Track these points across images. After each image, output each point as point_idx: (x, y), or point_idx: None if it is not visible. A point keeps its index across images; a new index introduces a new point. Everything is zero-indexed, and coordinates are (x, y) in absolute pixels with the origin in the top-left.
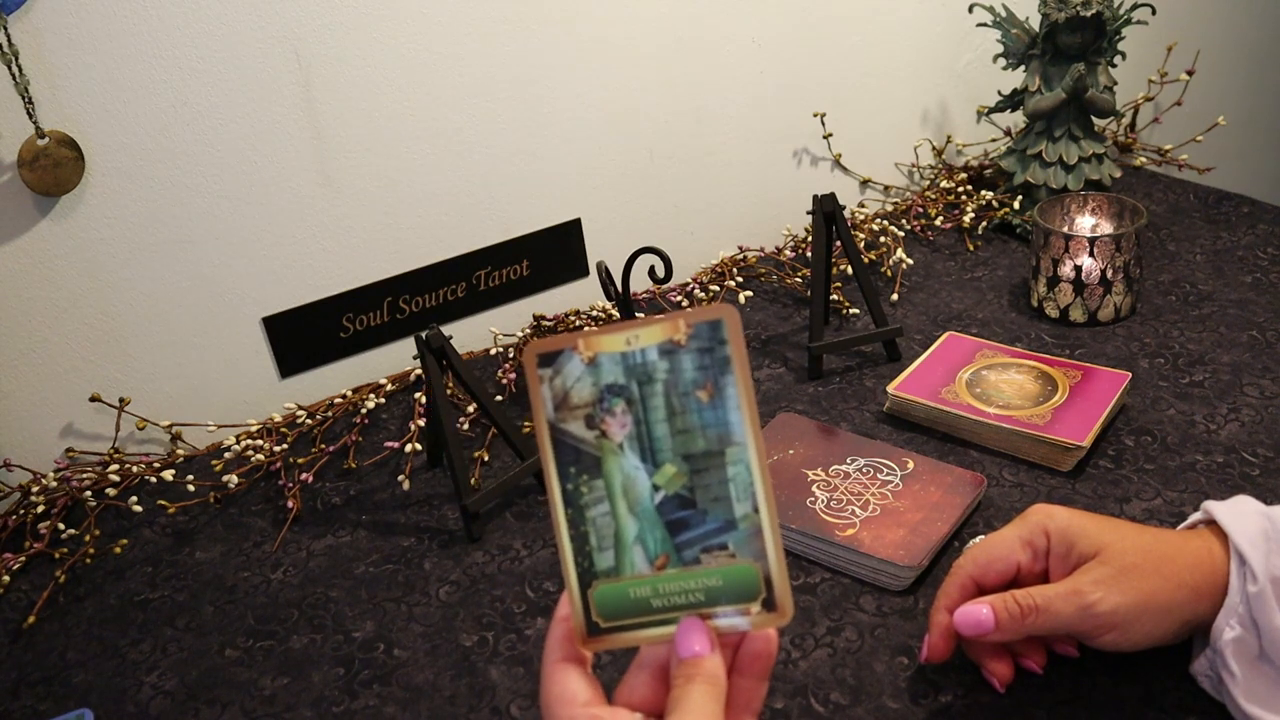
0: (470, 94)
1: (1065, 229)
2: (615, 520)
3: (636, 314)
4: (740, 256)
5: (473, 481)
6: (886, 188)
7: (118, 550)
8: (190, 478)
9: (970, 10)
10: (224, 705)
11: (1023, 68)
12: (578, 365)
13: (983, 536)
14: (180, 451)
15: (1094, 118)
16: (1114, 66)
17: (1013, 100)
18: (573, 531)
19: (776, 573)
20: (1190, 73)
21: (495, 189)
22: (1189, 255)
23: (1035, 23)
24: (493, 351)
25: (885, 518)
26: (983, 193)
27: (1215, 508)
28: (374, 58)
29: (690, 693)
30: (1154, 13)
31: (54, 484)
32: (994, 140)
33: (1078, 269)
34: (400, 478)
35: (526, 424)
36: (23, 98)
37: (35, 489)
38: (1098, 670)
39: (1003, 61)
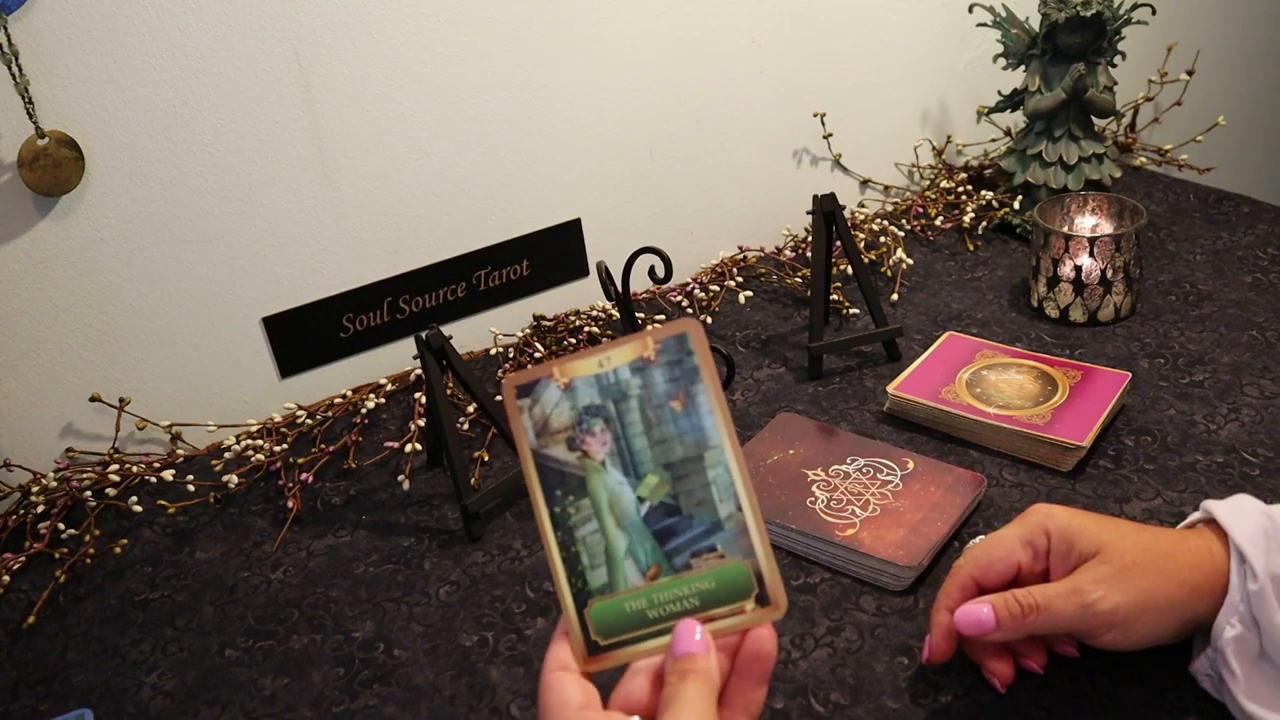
0: (470, 94)
1: (1065, 229)
2: (605, 536)
3: (636, 314)
4: (740, 256)
5: (473, 481)
6: (886, 188)
7: (118, 550)
8: (190, 478)
9: (970, 10)
10: (224, 705)
11: (1023, 68)
12: (554, 392)
13: (983, 536)
14: (180, 451)
15: (1094, 118)
16: (1114, 66)
17: (1013, 100)
18: (564, 553)
19: (766, 567)
20: (1190, 73)
21: (495, 189)
22: (1189, 255)
23: (1035, 23)
24: (493, 351)
25: (885, 518)
26: (983, 193)
27: (1215, 506)
28: (374, 58)
29: (684, 690)
30: (1154, 13)
31: (54, 484)
32: (994, 140)
33: (1078, 269)
34: (400, 478)
35: None
36: (23, 98)
37: (35, 489)
38: (1098, 670)
39: (1003, 61)
